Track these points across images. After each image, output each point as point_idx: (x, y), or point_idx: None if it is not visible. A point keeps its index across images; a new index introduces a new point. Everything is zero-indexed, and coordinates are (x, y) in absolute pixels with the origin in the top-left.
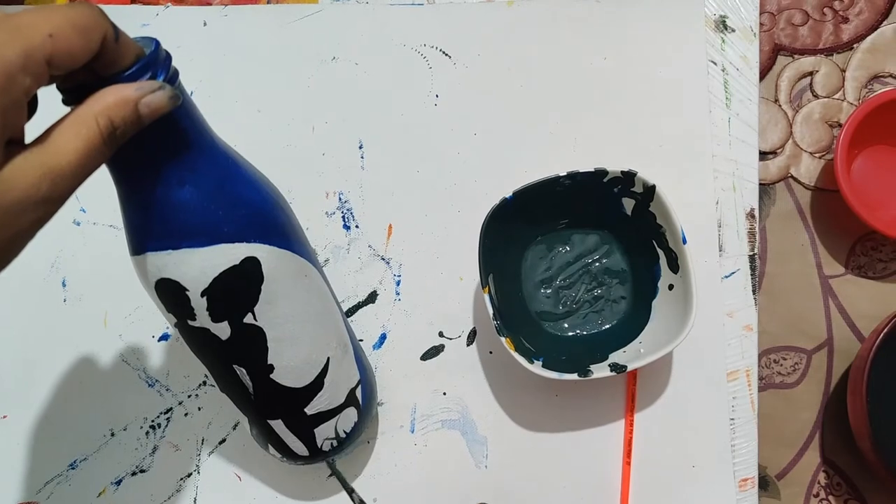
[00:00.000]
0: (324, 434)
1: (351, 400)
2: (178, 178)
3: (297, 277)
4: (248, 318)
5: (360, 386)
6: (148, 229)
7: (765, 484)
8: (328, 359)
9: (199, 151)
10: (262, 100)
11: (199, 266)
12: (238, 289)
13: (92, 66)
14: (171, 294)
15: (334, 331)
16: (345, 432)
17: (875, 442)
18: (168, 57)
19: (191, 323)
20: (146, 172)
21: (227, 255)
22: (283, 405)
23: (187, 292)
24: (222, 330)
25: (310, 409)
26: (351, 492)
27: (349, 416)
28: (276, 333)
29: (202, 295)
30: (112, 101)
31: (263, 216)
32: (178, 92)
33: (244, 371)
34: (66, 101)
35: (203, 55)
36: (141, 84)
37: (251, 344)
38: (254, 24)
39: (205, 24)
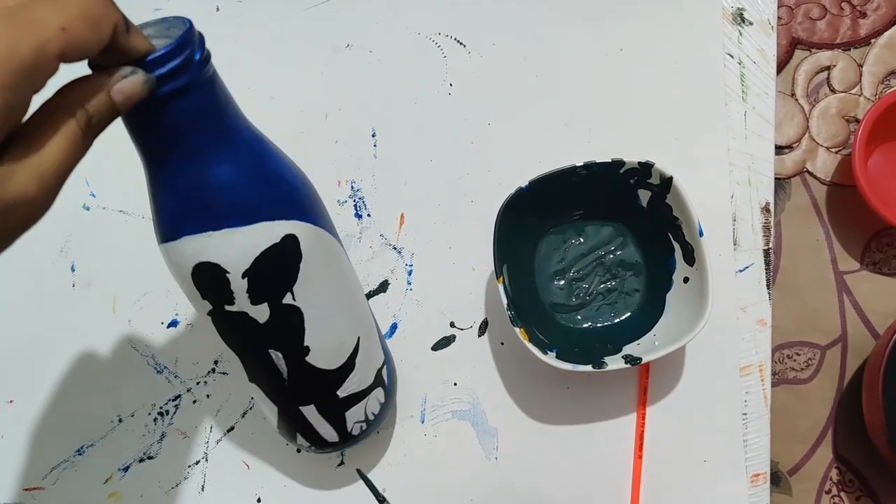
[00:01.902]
0: (354, 417)
1: (378, 380)
2: (217, 158)
3: (330, 255)
4: (287, 299)
5: (385, 366)
6: (186, 212)
7: (777, 479)
8: (358, 338)
9: (235, 131)
10: (274, 87)
11: (240, 246)
12: (279, 268)
13: (97, 61)
14: (209, 278)
15: (362, 310)
16: (373, 414)
17: (891, 438)
18: (201, 38)
19: (227, 308)
20: (184, 154)
21: (268, 234)
22: (317, 389)
23: (227, 275)
24: (261, 313)
25: (342, 392)
26: (382, 501)
27: (377, 398)
28: (313, 313)
29: (243, 276)
30: (84, 90)
31: (297, 193)
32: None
33: (280, 355)
34: None
35: (215, 41)
36: (112, 70)
37: (289, 326)
38: (267, 10)
39: (217, 9)
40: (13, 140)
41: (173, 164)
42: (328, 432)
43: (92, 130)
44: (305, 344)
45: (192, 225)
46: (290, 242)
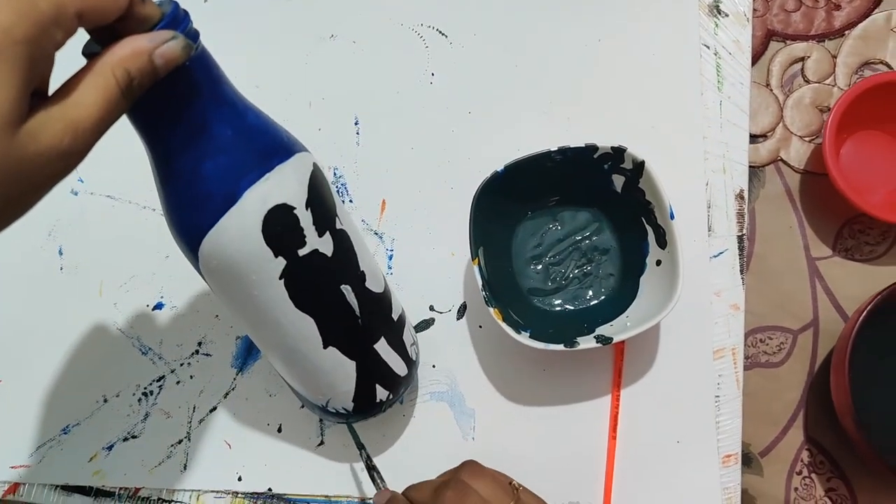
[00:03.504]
0: (408, 339)
1: (399, 304)
2: (243, 107)
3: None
4: (338, 224)
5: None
6: (239, 165)
7: (748, 461)
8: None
9: (232, 86)
10: (260, 76)
11: (294, 178)
12: (323, 194)
13: (115, 28)
14: (281, 223)
15: None
16: (414, 336)
17: (857, 418)
18: (187, 16)
19: (301, 253)
20: (217, 111)
21: (305, 163)
22: (381, 316)
23: (295, 210)
24: (327, 244)
25: (394, 314)
26: (361, 448)
27: (409, 319)
28: (353, 235)
29: (307, 207)
30: (128, 52)
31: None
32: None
33: (349, 288)
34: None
35: (203, 31)
36: (153, 35)
37: (347, 252)
38: (253, 0)
39: (205, 0)
40: (52, 95)
41: (211, 126)
42: (399, 365)
43: (131, 91)
44: (361, 269)
45: (249, 175)
46: (318, 168)
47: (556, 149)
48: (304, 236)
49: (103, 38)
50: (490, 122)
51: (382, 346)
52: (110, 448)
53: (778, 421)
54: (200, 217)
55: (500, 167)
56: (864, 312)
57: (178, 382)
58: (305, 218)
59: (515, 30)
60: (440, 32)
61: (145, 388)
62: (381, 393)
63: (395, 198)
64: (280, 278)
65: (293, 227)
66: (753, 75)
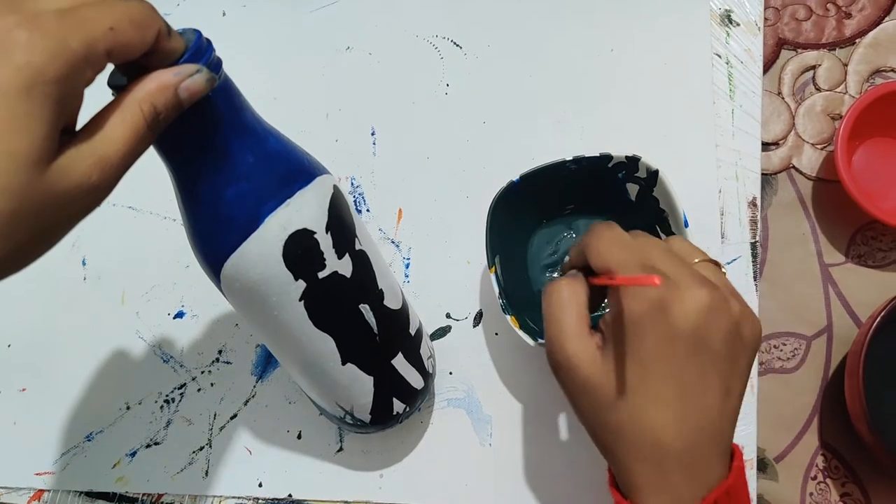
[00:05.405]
0: (425, 353)
1: (417, 318)
2: (264, 133)
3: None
4: (357, 244)
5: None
6: (260, 192)
7: (763, 466)
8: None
9: (253, 112)
10: (278, 88)
11: (315, 203)
12: (343, 216)
13: (141, 62)
14: (302, 247)
15: None
16: (431, 348)
17: (872, 423)
18: (210, 46)
19: (321, 275)
20: (239, 139)
21: (325, 186)
22: (398, 333)
23: (315, 235)
24: (346, 266)
25: (412, 328)
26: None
27: (427, 332)
28: (372, 255)
29: (327, 230)
30: (154, 87)
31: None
32: (216, 75)
33: (367, 307)
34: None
35: (222, 45)
36: (179, 69)
37: (366, 272)
38: (271, 14)
39: (224, 14)
40: (80, 131)
41: (233, 153)
42: (415, 378)
43: (157, 125)
44: (379, 287)
45: (270, 203)
46: (338, 191)
47: (570, 158)
48: (324, 259)
49: (129, 70)
50: (505, 132)
51: (400, 362)
52: (133, 455)
53: (793, 426)
54: (222, 242)
55: (515, 176)
56: (878, 318)
57: (199, 390)
58: (325, 241)
59: (529, 41)
60: (455, 44)
61: (167, 396)
62: (398, 406)
63: (412, 207)
64: (300, 300)
65: (313, 251)
66: (765, 84)
